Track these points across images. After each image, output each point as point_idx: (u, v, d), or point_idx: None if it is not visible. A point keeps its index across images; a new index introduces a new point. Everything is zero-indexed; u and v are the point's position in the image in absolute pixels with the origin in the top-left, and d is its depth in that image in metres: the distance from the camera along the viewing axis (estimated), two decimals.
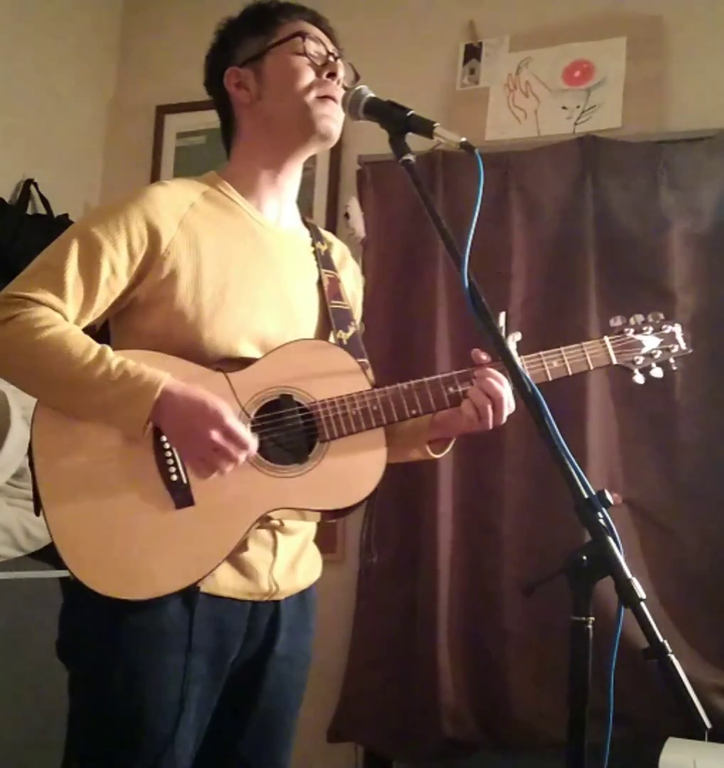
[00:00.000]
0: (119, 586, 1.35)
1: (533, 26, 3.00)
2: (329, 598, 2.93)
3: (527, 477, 2.70)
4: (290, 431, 1.46)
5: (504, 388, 1.49)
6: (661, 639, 1.05)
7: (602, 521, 1.13)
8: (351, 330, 1.63)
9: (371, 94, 1.48)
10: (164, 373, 1.38)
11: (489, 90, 3.01)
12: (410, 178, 1.39)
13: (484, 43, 3.04)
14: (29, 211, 2.98)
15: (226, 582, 1.44)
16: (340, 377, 1.51)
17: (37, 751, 2.30)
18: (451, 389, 1.51)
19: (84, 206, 3.25)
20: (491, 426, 1.50)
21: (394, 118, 1.43)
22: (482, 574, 2.74)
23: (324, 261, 1.67)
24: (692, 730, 1.02)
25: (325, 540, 2.90)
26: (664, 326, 1.69)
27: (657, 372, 1.67)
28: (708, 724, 1.01)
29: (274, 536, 1.51)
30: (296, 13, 1.63)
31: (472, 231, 1.29)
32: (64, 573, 1.45)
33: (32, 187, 2.99)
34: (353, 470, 1.48)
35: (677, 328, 1.70)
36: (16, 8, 2.99)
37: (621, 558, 1.10)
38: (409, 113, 1.41)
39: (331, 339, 1.62)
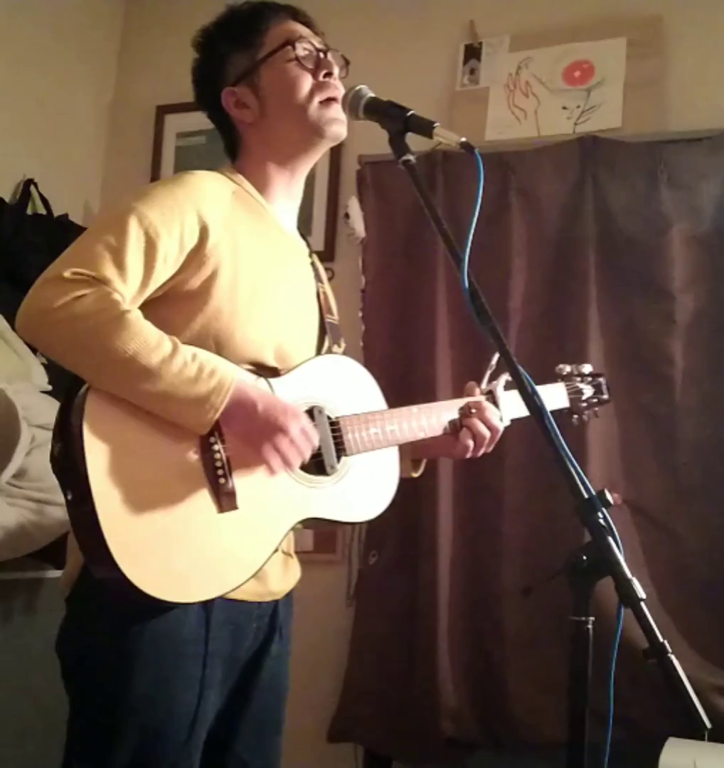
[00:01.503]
0: (167, 588, 1.29)
1: (533, 26, 3.00)
2: (329, 599, 2.95)
3: (527, 477, 2.69)
4: (321, 443, 1.46)
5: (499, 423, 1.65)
6: (661, 639, 1.05)
7: (602, 521, 1.13)
8: (343, 345, 1.66)
9: (371, 94, 1.48)
10: (234, 371, 1.37)
11: (489, 90, 3.00)
12: (410, 178, 1.40)
13: (484, 43, 3.04)
14: (29, 211, 2.97)
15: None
16: (362, 394, 1.58)
17: (35, 751, 2.30)
18: (450, 417, 1.64)
19: (84, 206, 3.25)
20: (479, 454, 1.65)
21: (394, 118, 1.43)
22: (482, 574, 2.73)
23: (317, 274, 1.67)
24: (692, 730, 1.02)
25: (325, 540, 2.93)
26: (594, 377, 1.92)
27: (585, 417, 1.89)
28: (708, 724, 1.01)
29: None
30: (277, 12, 1.59)
31: (472, 231, 1.29)
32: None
33: (32, 187, 2.98)
34: (374, 485, 1.55)
35: (603, 380, 1.93)
36: (17, 8, 2.99)
37: (621, 558, 1.10)
38: (409, 113, 1.42)
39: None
